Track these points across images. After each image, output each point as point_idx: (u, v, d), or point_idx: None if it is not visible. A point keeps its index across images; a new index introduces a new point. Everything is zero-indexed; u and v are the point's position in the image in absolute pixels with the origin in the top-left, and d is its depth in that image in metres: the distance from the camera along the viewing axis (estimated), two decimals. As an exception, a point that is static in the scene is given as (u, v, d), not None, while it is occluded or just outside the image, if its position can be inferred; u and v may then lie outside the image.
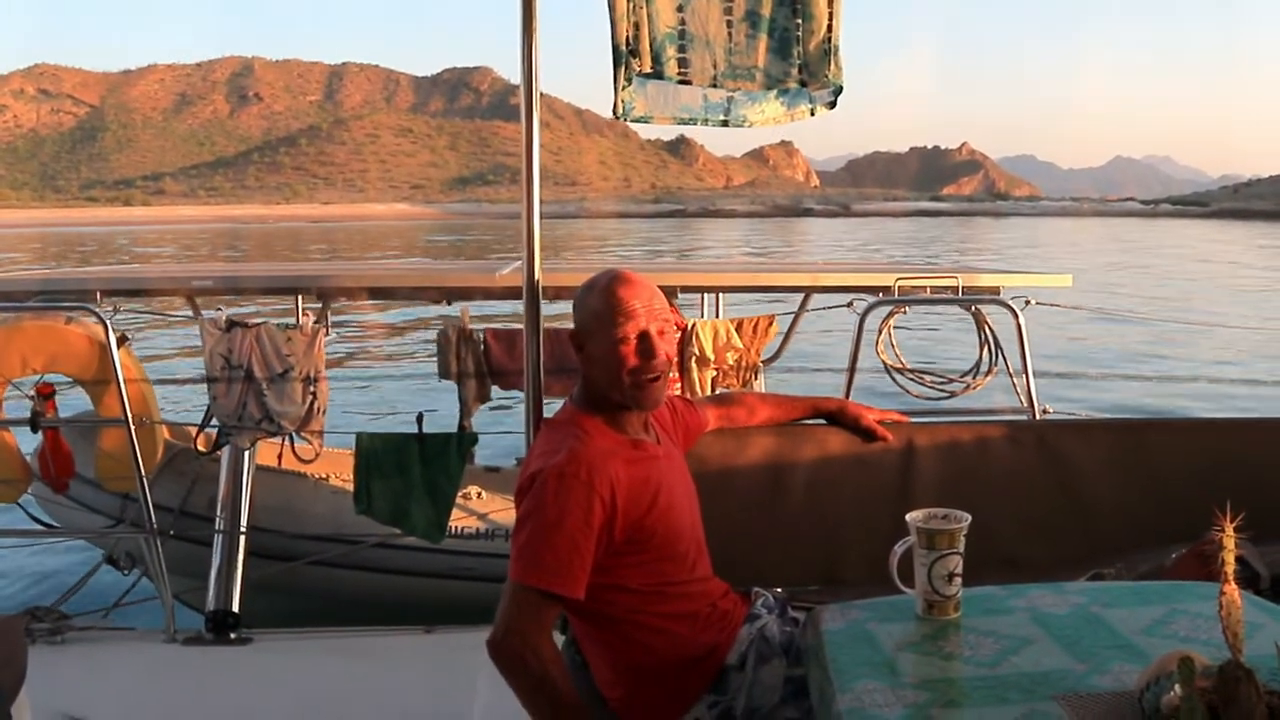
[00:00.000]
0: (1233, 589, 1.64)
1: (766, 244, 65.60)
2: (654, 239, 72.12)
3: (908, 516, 2.24)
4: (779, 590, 2.87)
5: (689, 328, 5.22)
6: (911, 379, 5.23)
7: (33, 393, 4.95)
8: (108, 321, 4.80)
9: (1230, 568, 1.65)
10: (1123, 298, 27.31)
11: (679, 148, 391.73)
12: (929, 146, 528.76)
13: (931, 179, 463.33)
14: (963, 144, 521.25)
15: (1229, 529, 1.65)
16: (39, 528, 5.61)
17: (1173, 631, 2.05)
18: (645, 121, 3.58)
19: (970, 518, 2.22)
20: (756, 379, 5.43)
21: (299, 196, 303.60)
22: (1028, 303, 5.14)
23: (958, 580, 2.17)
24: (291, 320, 5.28)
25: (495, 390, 5.45)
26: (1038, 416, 4.96)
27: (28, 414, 4.92)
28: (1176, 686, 1.59)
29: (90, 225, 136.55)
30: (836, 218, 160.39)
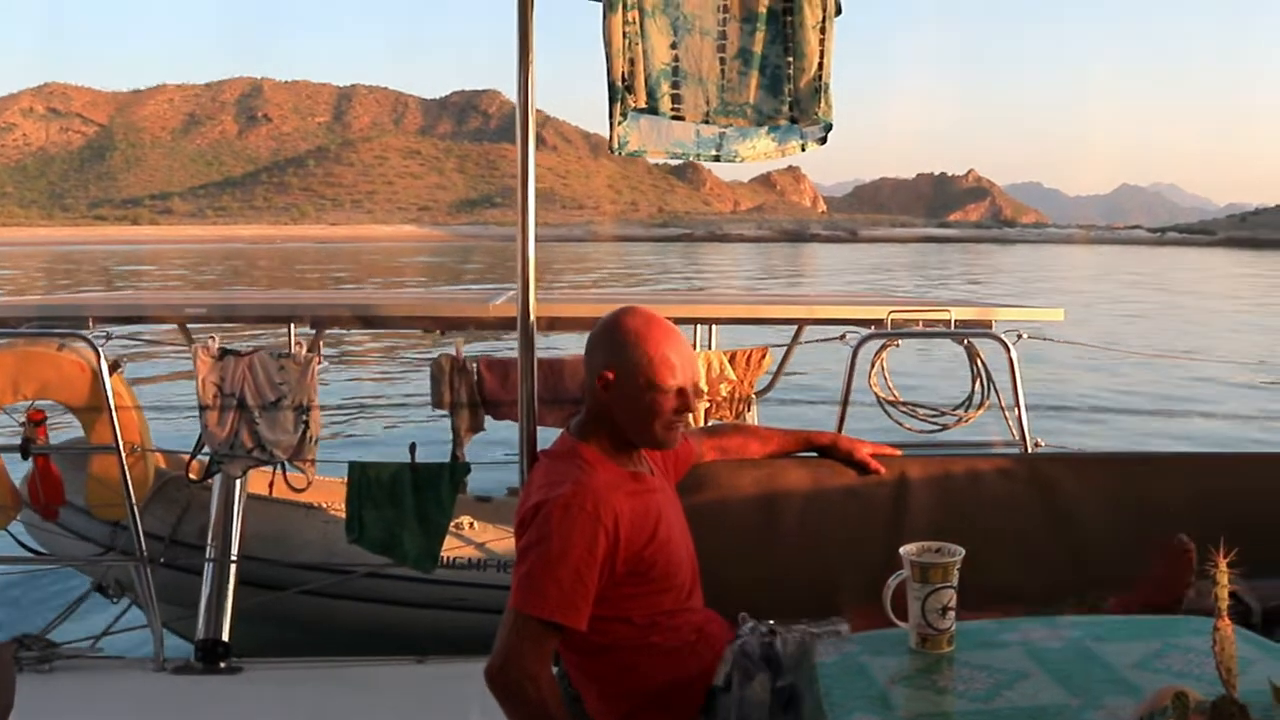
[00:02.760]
0: (1227, 624, 1.65)
1: (772, 270, 65.58)
2: (659, 264, 72.15)
3: (901, 550, 2.25)
4: (771, 622, 2.88)
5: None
6: (904, 412, 5.22)
7: (24, 419, 4.96)
8: (100, 348, 4.81)
9: (1224, 602, 1.65)
10: (1120, 329, 27.28)
11: (686, 172, 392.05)
12: (936, 173, 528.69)
13: (938, 205, 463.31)
14: (970, 170, 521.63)
15: (1222, 563, 1.65)
16: (28, 555, 5.59)
17: (1166, 666, 2.06)
18: (639, 155, 3.61)
19: (964, 551, 2.23)
20: (749, 411, 5.43)
21: (306, 217, 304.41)
22: (1020, 336, 5.16)
23: (951, 614, 2.19)
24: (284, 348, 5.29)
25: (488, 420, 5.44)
26: (1030, 450, 4.96)
27: (18, 440, 4.93)
28: (1170, 722, 1.60)
29: (97, 244, 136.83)
30: (843, 243, 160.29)
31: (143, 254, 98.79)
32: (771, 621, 2.89)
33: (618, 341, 2.60)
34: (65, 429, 5.58)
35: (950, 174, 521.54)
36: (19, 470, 5.25)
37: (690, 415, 2.59)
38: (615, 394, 2.57)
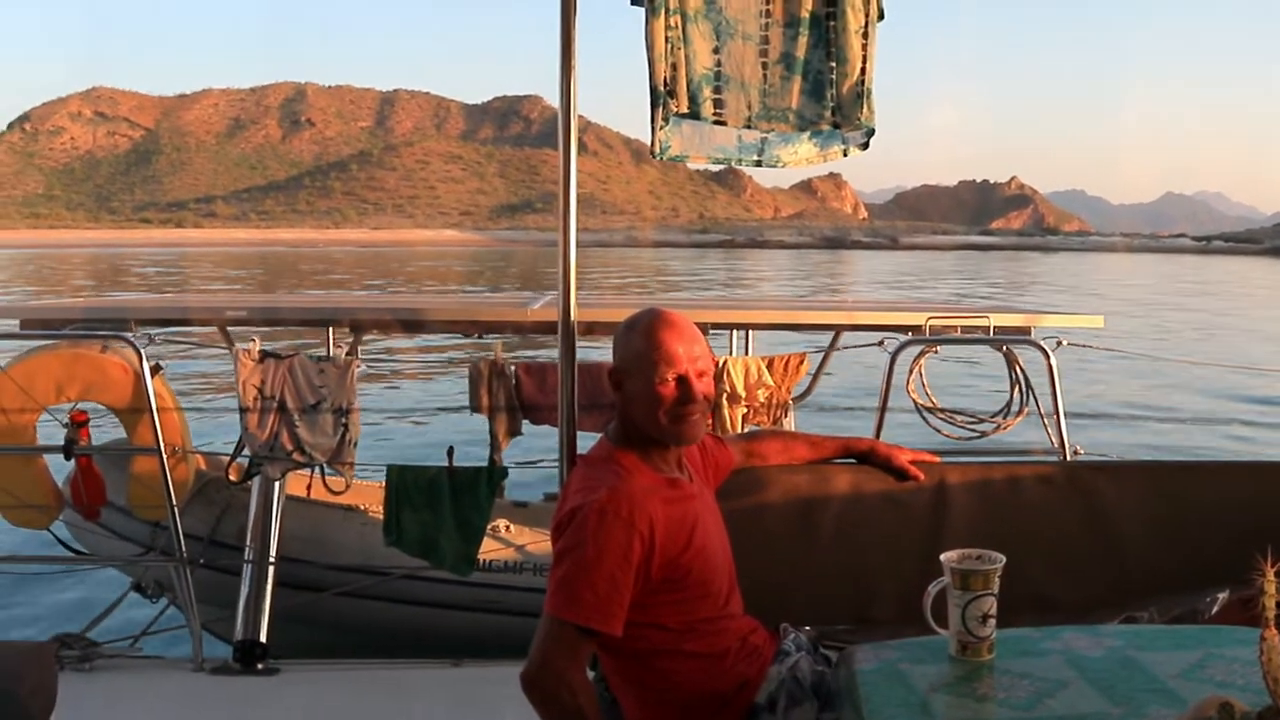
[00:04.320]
0: (1274, 634, 1.64)
1: (810, 276, 65.41)
2: (699, 270, 72.12)
3: (942, 557, 2.25)
4: (808, 629, 2.87)
5: (720, 365, 5.21)
6: (943, 418, 5.19)
7: (67, 420, 5.00)
8: (142, 350, 4.84)
9: (1271, 612, 1.63)
10: (1164, 337, 27.06)
11: (727, 178, 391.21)
12: (978, 180, 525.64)
13: (980, 213, 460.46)
14: (1012, 178, 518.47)
15: (1270, 573, 1.64)
16: (69, 554, 5.65)
17: (1209, 676, 2.04)
18: (681, 160, 3.62)
19: (1005, 559, 2.22)
20: (786, 417, 5.41)
21: (349, 221, 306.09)
22: (1059, 343, 5.11)
23: (992, 621, 2.18)
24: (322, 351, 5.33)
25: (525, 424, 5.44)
26: (1069, 457, 4.92)
27: (62, 441, 4.97)
28: (1214, 732, 1.58)
29: (143, 246, 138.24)
30: (884, 250, 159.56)
31: (187, 256, 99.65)
32: (807, 627, 2.89)
33: (621, 339, 2.61)
34: (107, 430, 5.61)
35: (993, 181, 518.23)
36: (62, 470, 5.30)
37: (696, 405, 2.53)
38: (624, 391, 2.58)
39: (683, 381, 2.51)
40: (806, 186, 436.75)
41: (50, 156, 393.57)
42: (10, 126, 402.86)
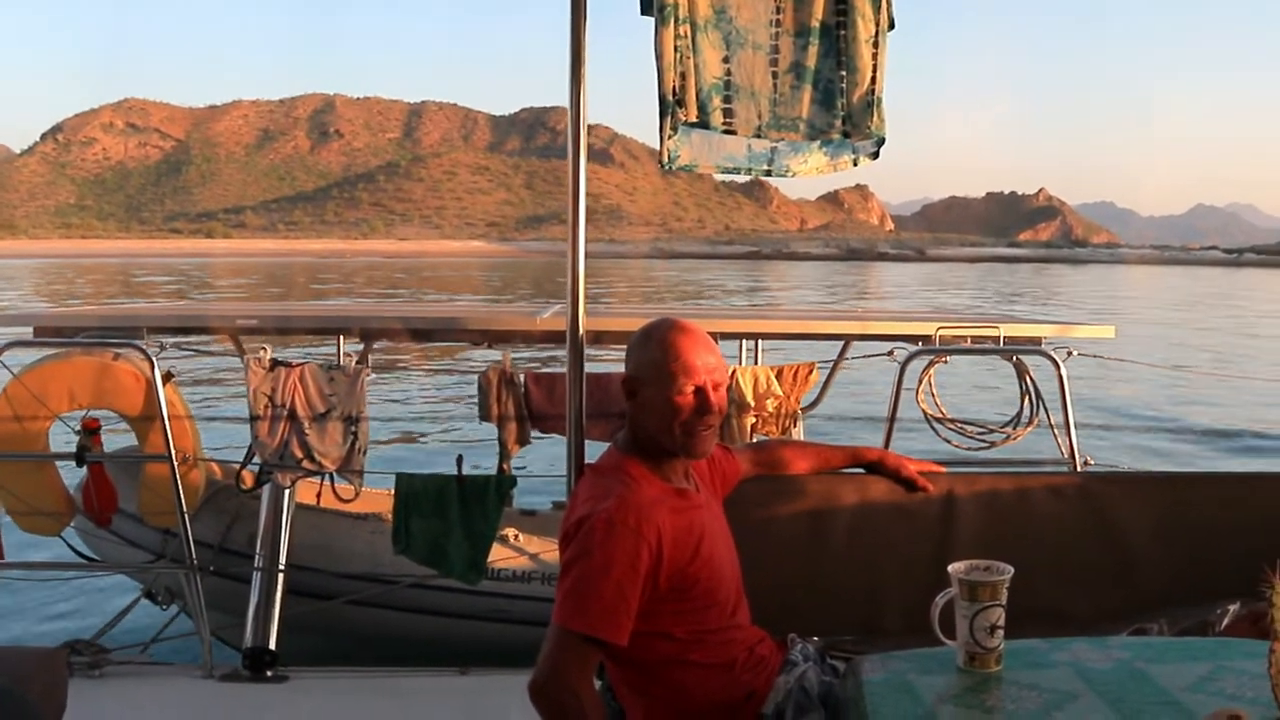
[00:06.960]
0: None
1: (836, 289, 65.26)
2: (724, 281, 72.10)
3: (950, 568, 2.23)
4: (816, 639, 2.86)
5: (729, 374, 5.18)
6: (952, 429, 5.16)
7: (79, 427, 5.02)
8: (154, 358, 4.86)
9: (1281, 624, 1.63)
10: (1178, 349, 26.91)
11: (753, 190, 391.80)
12: (1006, 191, 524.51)
13: (1008, 224, 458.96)
14: (1040, 189, 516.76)
15: (1279, 585, 1.63)
16: (80, 561, 5.66)
17: (1219, 689, 2.03)
18: (690, 169, 3.62)
19: (1013, 570, 2.21)
20: (795, 426, 5.39)
21: (376, 232, 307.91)
22: (1070, 354, 5.08)
23: (1000, 633, 2.17)
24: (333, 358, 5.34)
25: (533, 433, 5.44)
26: (1079, 468, 4.89)
27: (74, 448, 4.99)
28: (1225, 745, 1.58)
29: (172, 256, 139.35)
30: (910, 262, 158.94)
31: (212, 266, 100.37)
32: (815, 638, 2.88)
33: (636, 347, 2.61)
34: (119, 438, 5.63)
35: (1020, 193, 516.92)
36: (74, 477, 5.33)
37: (712, 417, 2.52)
38: (638, 400, 2.57)
39: (700, 393, 2.51)
40: (833, 198, 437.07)
41: (82, 167, 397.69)
42: (43, 137, 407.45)
